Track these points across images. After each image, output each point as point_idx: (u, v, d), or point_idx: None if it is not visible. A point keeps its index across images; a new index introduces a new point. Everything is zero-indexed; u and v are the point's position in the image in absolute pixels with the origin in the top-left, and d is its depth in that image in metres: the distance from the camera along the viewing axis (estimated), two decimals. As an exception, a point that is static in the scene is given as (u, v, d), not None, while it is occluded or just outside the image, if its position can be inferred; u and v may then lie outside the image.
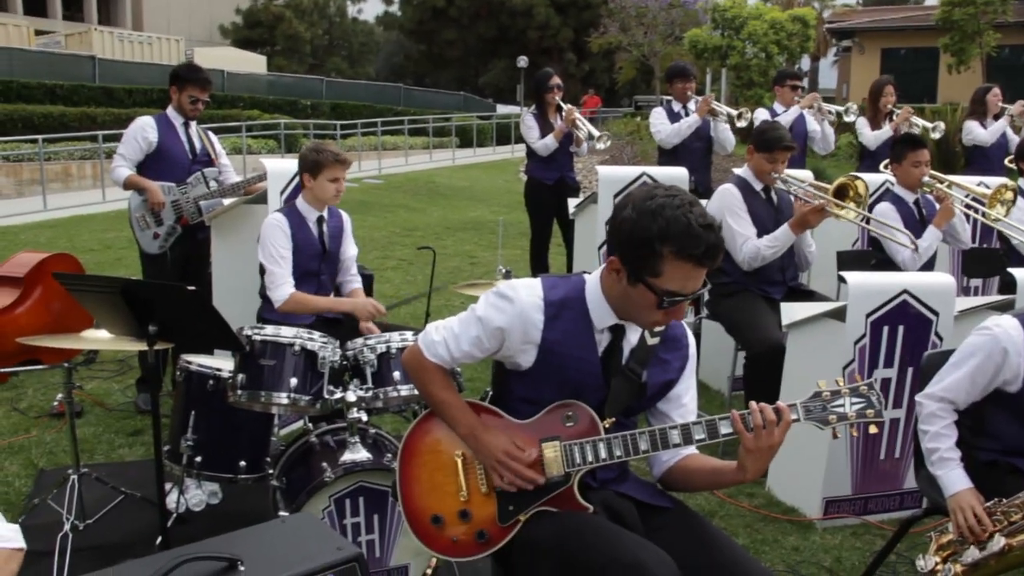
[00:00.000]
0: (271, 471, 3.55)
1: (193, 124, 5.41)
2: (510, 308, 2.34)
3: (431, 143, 25.65)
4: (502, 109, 37.08)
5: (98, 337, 3.48)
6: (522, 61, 36.81)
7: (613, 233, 2.27)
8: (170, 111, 5.35)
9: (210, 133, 5.61)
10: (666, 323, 2.35)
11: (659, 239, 2.13)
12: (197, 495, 3.98)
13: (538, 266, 7.80)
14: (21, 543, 1.90)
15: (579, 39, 43.02)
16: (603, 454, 2.31)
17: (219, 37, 47.16)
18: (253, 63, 33.15)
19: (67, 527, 3.62)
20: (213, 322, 3.00)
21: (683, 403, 2.53)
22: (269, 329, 3.31)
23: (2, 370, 5.62)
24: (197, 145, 5.39)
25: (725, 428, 2.29)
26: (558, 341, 2.35)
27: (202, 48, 34.15)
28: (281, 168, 4.86)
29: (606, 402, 2.38)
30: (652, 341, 2.42)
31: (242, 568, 1.98)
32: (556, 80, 7.45)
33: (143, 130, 5.25)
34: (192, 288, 2.86)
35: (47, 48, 25.54)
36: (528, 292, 2.36)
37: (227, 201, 5.09)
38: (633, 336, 2.42)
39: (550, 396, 2.38)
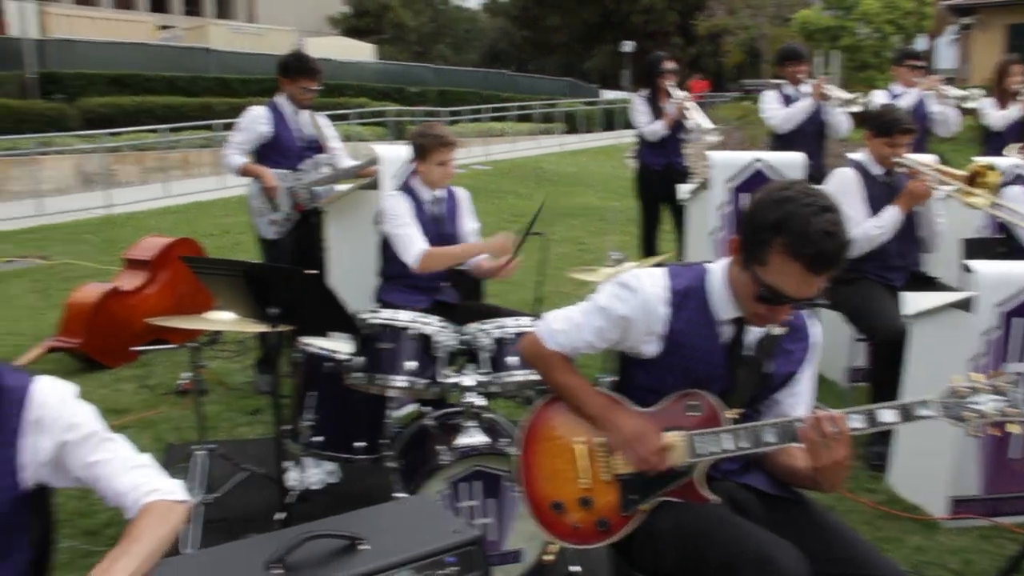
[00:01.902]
0: (387, 452, 3.60)
1: (304, 111, 5.50)
2: (633, 298, 2.32)
3: (538, 129, 25.64)
4: (607, 94, 36.80)
5: (222, 318, 3.60)
6: (627, 46, 36.49)
7: (743, 214, 2.24)
8: (280, 100, 5.46)
9: (321, 118, 5.67)
10: (767, 321, 2.29)
11: (773, 228, 2.08)
12: (316, 474, 4.08)
13: (648, 253, 7.71)
14: (185, 496, 1.97)
15: (685, 22, 42.39)
16: (728, 445, 2.27)
17: (328, 27, 48.06)
18: (361, 51, 33.70)
19: (194, 500, 3.76)
20: (332, 305, 3.06)
21: (795, 391, 2.46)
22: (386, 313, 3.35)
23: (133, 348, 5.88)
24: (307, 132, 5.49)
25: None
26: (683, 331, 2.31)
27: (312, 38, 34.85)
28: (393, 153, 4.92)
29: (730, 392, 2.33)
30: (778, 331, 2.36)
31: (364, 547, 2.01)
32: (669, 64, 7.31)
33: (256, 120, 5.38)
34: (311, 272, 2.92)
35: (168, 42, 26.48)
36: (652, 282, 2.33)
37: (341, 187, 5.18)
38: (757, 328, 2.37)
39: (673, 385, 2.35)
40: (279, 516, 3.54)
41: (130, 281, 6.20)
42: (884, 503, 4.13)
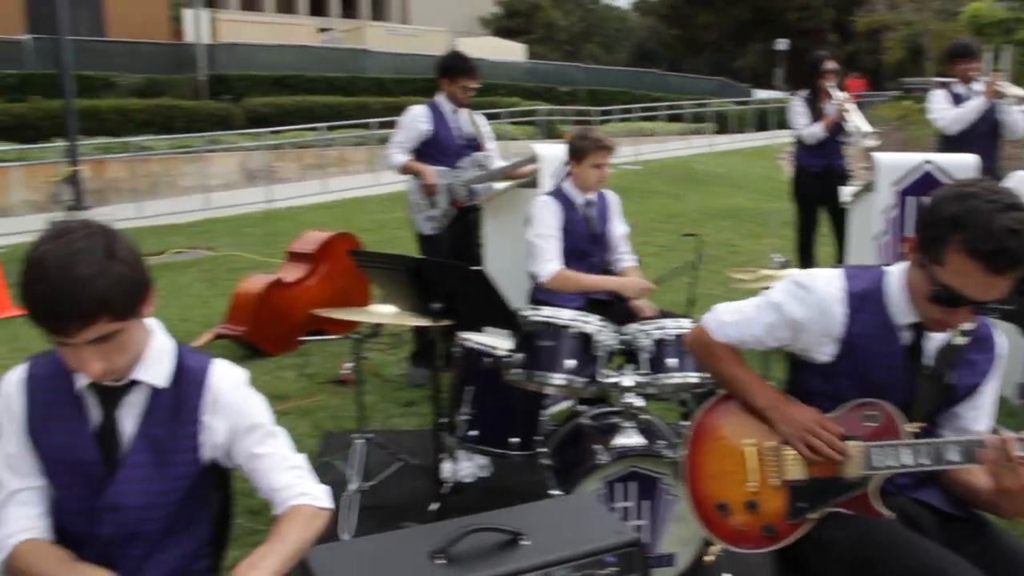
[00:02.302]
0: (541, 449, 3.61)
1: (463, 110, 5.59)
2: (809, 299, 2.25)
3: (688, 129, 25.30)
4: (759, 94, 35.93)
5: (383, 312, 3.69)
6: (781, 44, 35.55)
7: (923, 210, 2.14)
8: (440, 99, 5.55)
9: (479, 117, 5.75)
10: (944, 326, 2.17)
11: (952, 224, 1.98)
12: (469, 467, 4.14)
13: (804, 257, 7.47)
14: (330, 504, 2.03)
15: (842, 19, 40.97)
16: (907, 460, 2.16)
17: (479, 28, 48.73)
18: (512, 51, 34.02)
19: (352, 487, 3.87)
20: (495, 301, 3.08)
21: (977, 405, 2.33)
22: (547, 311, 3.36)
23: (301, 339, 6.11)
24: (466, 131, 5.57)
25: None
26: (860, 335, 2.22)
27: (464, 38, 35.42)
28: (552, 153, 4.92)
29: (910, 404, 2.23)
30: (960, 341, 2.24)
31: (525, 542, 2.01)
32: (831, 64, 7.05)
33: (416, 119, 5.49)
34: (477, 268, 2.95)
35: (327, 44, 27.41)
36: (828, 283, 2.25)
37: (499, 185, 5.23)
38: (939, 335, 2.25)
39: (849, 393, 2.26)
40: (433, 507, 3.61)
41: (292, 273, 6.45)
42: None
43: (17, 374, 1.94)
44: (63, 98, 9.52)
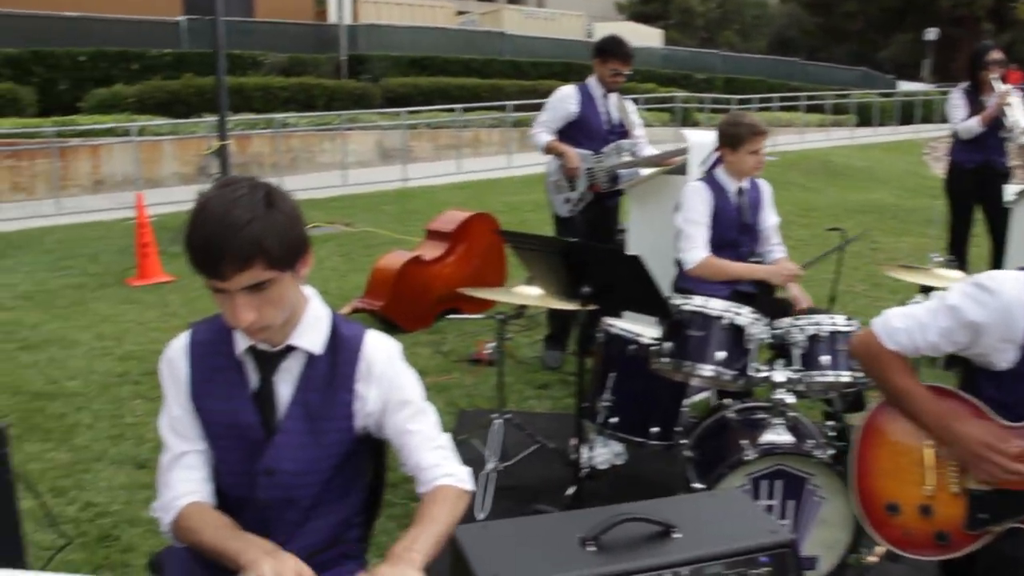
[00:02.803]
0: (682, 441, 3.55)
1: (612, 95, 5.52)
2: (992, 302, 2.12)
3: (828, 120, 24.52)
4: (904, 86, 34.50)
5: (528, 293, 3.68)
6: (930, 34, 34.01)
7: None
8: (591, 82, 5.50)
9: (628, 104, 5.68)
10: None
11: None
12: (604, 454, 4.10)
13: (956, 257, 7.12)
14: (473, 486, 2.02)
15: (1000, 6, 38.81)
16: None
17: (615, 13, 48.30)
18: (649, 37, 33.54)
19: (490, 466, 3.89)
20: (648, 288, 3.04)
21: None
22: (698, 300, 3.29)
23: (450, 316, 6.18)
24: (614, 116, 5.51)
25: None
26: None
27: (600, 23, 35.17)
28: (701, 139, 4.82)
29: None
30: None
31: (677, 535, 1.96)
32: (997, 55, 6.68)
33: (565, 100, 5.45)
34: (633, 254, 2.91)
35: (465, 26, 27.62)
36: (1015, 286, 2.12)
37: (645, 171, 5.15)
38: None
39: None
40: (569, 491, 3.60)
41: (431, 251, 6.53)
42: None
43: (181, 341, 2.00)
44: (215, 76, 9.84)
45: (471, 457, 4.09)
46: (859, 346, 2.41)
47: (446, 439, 2.08)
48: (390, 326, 6.23)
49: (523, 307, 4.20)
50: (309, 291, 2.00)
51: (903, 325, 2.28)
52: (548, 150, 5.48)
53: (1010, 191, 5.96)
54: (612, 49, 5.41)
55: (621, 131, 5.52)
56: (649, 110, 20.30)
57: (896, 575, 3.22)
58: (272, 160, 14.86)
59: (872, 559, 3.07)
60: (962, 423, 2.17)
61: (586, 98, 5.47)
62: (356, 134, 16.69)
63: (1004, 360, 2.15)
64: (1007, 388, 2.17)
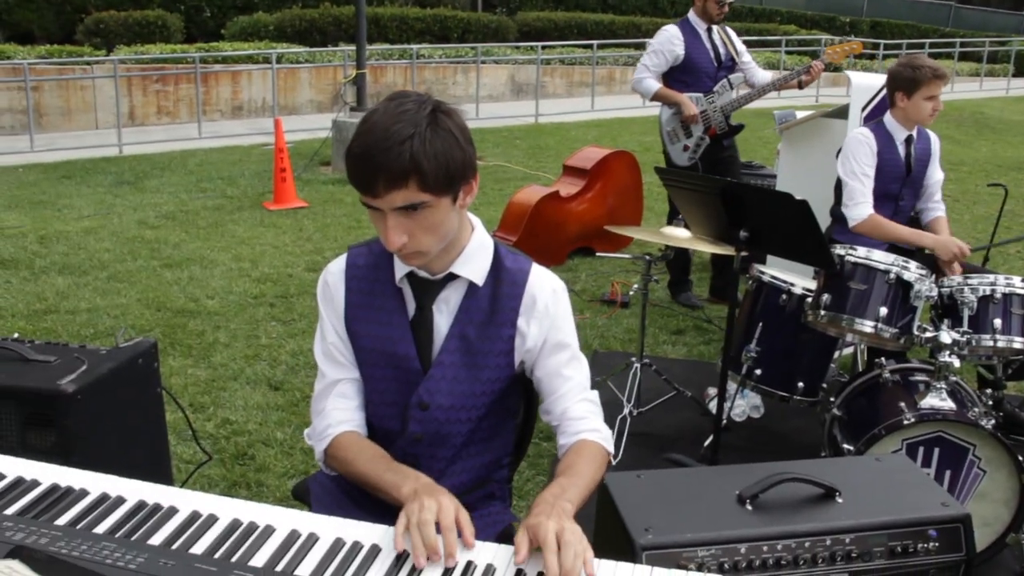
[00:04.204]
0: (830, 399, 3.38)
1: (716, 28, 5.23)
2: None
3: (982, 70, 23.15)
4: (1069, 34, 32.25)
5: (678, 235, 3.54)
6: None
7: None
8: (692, 17, 5.22)
9: (730, 31, 5.37)
10: None
11: None
12: (741, 406, 3.98)
13: None
14: (613, 448, 1.92)
15: None
16: None
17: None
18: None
19: (626, 411, 3.81)
20: (812, 236, 2.86)
21: None
22: (862, 251, 3.10)
23: (601, 254, 6.08)
24: (721, 51, 5.23)
25: None
26: None
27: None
28: (865, 82, 4.54)
29: None
30: None
31: (839, 500, 1.85)
32: None
33: (671, 42, 5.18)
34: (801, 199, 2.74)
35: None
36: None
37: (801, 114, 4.90)
38: None
39: None
40: (707, 442, 3.49)
41: (568, 187, 6.43)
42: None
43: (338, 264, 1.94)
44: (353, 5, 9.87)
45: (606, 399, 4.00)
46: None
47: (595, 395, 1.96)
48: (522, 262, 6.17)
49: (668, 249, 4.06)
50: (474, 219, 1.91)
51: None
52: (658, 97, 5.23)
53: None
54: None
55: (730, 65, 5.25)
56: (789, 53, 19.55)
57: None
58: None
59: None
60: None
61: (691, 36, 5.19)
62: (489, 68, 16.58)
63: None
64: None
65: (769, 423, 4.01)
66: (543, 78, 16.32)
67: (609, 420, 3.72)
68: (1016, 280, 3.10)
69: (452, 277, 1.85)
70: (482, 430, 1.94)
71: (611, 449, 1.91)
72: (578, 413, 1.90)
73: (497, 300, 1.87)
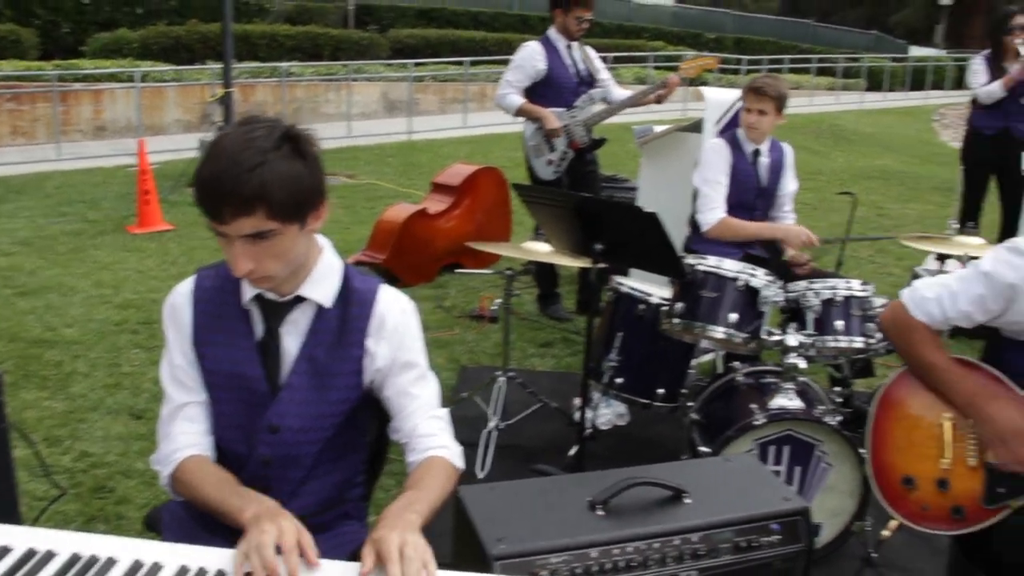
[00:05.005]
0: (688, 403, 3.49)
1: (575, 44, 5.31)
2: None
3: (838, 84, 24.27)
4: (916, 51, 34.13)
5: (538, 249, 3.60)
6: (946, -1, 33.63)
7: None
8: (552, 33, 5.29)
9: (590, 50, 5.46)
10: None
11: None
12: (606, 414, 4.06)
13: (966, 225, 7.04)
14: (463, 464, 1.95)
15: (1017, -26, 38.30)
16: None
17: (626, -32, 47.69)
18: (659, -6, 33.18)
19: (491, 425, 3.84)
20: (663, 247, 2.96)
21: None
22: (712, 260, 3.22)
23: (460, 271, 6.10)
24: (581, 66, 5.31)
25: None
26: None
27: (611, -21, 34.72)
28: (719, 97, 4.70)
29: None
30: None
31: (687, 500, 1.91)
32: (1021, 19, 6.54)
33: (532, 58, 5.22)
34: (650, 211, 2.82)
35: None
36: None
37: (659, 128, 5.04)
38: None
39: None
40: (572, 452, 3.55)
41: (436, 204, 6.44)
42: None
43: (186, 286, 1.91)
44: (220, 22, 9.67)
45: (473, 414, 4.06)
46: (889, 320, 2.32)
47: (445, 412, 1.98)
48: (391, 280, 6.13)
49: (531, 263, 4.12)
50: (323, 241, 1.91)
51: (933, 295, 2.20)
52: (520, 113, 5.26)
53: (1029, 158, 5.85)
54: None
55: (590, 81, 5.33)
56: (657, 68, 20.08)
57: (903, 548, 3.19)
58: (276, 110, 14.68)
59: (885, 533, 3.04)
60: (995, 404, 2.10)
61: (552, 52, 5.25)
62: (361, 85, 16.47)
63: None
64: (1035, 358, 2.10)
65: (634, 430, 4.10)
66: (416, 95, 16.33)
67: (475, 434, 3.78)
68: (856, 284, 3.27)
69: (300, 299, 1.85)
70: (332, 450, 1.94)
71: (460, 465, 1.93)
72: (427, 430, 1.92)
73: (346, 321, 1.88)
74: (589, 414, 3.84)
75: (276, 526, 1.55)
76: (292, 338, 1.87)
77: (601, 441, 3.93)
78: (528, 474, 3.40)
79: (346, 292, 1.90)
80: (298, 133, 1.72)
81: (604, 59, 5.55)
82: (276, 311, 1.86)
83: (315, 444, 1.90)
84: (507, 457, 3.81)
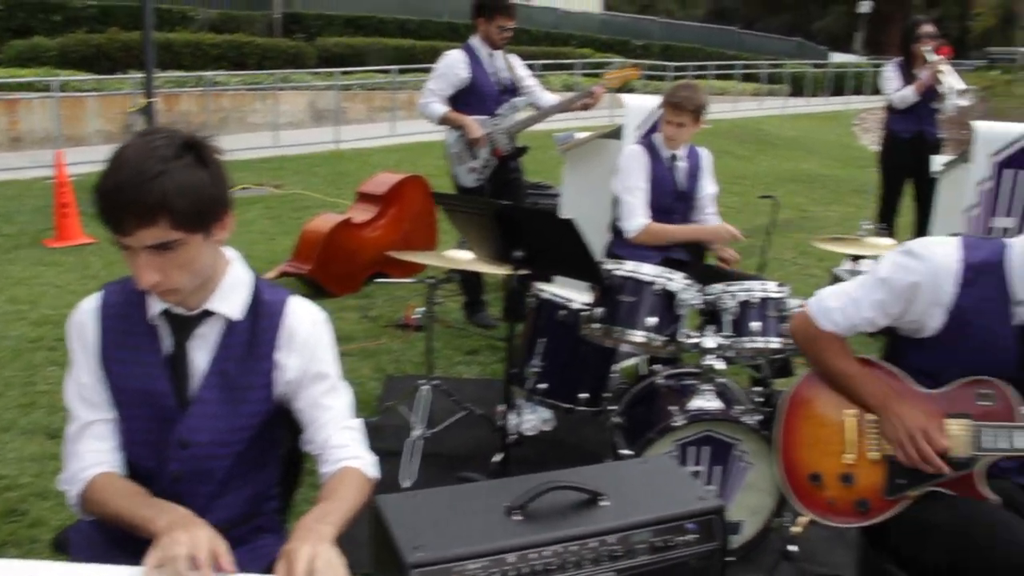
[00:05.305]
0: (611, 407, 3.53)
1: (498, 53, 5.33)
2: (920, 267, 2.12)
3: (762, 90, 24.75)
4: (836, 57, 34.99)
5: (459, 257, 3.61)
6: (864, 7, 34.51)
7: None
8: (475, 41, 5.30)
9: (513, 58, 5.49)
10: None
11: None
12: (532, 420, 4.06)
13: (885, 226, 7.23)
14: (378, 474, 1.95)
15: (932, -18, 39.52)
16: (1020, 444, 2.04)
17: (554, -23, 48.00)
18: (587, 2, 33.41)
19: (416, 434, 3.83)
20: (581, 253, 2.98)
21: None
22: (630, 265, 3.26)
23: (379, 280, 6.06)
24: (504, 75, 5.33)
25: None
26: (971, 309, 2.09)
27: (538, -13, 34.93)
28: (638, 104, 4.77)
29: (1021, 385, 2.09)
30: None
31: (604, 503, 1.93)
32: (927, 28, 6.77)
33: (455, 65, 5.23)
34: (567, 218, 2.85)
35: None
36: (944, 251, 2.12)
37: (581, 135, 5.08)
38: None
39: (953, 371, 2.14)
40: (496, 458, 3.55)
41: (361, 214, 6.41)
42: None
43: (91, 302, 1.88)
44: (141, 30, 9.50)
45: (398, 424, 4.04)
46: (796, 330, 2.38)
47: (358, 423, 1.98)
48: (318, 290, 6.11)
49: (453, 271, 4.12)
50: (231, 253, 1.90)
51: (838, 304, 2.26)
52: (444, 121, 5.26)
53: (938, 162, 6.04)
54: (497, 5, 5.21)
55: (512, 89, 5.35)
56: (585, 76, 20.25)
57: (816, 540, 3.26)
58: (201, 119, 14.45)
59: (796, 529, 3.10)
60: (904, 404, 2.17)
61: (474, 60, 5.26)
62: (288, 94, 16.32)
63: (932, 325, 2.14)
64: (931, 356, 2.17)
65: (560, 435, 4.12)
66: (344, 104, 16.22)
67: (400, 444, 3.76)
68: (771, 285, 3.33)
69: (209, 313, 1.84)
70: (245, 464, 1.92)
71: (374, 474, 1.93)
72: (339, 441, 1.91)
73: (256, 334, 1.87)
74: (514, 420, 3.87)
75: (190, 535, 1.54)
76: (201, 352, 1.85)
77: (527, 447, 3.94)
78: (454, 482, 3.39)
79: (256, 305, 1.88)
80: (200, 142, 1.71)
81: (531, 67, 5.58)
82: (184, 325, 1.84)
83: (227, 458, 1.89)
84: (433, 466, 3.80)
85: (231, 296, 1.86)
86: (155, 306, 1.83)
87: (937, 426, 2.11)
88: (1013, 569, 1.87)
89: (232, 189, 1.79)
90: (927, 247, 2.14)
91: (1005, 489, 2.15)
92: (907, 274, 2.12)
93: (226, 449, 1.87)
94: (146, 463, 1.87)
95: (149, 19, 9.27)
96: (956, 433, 2.10)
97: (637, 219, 4.05)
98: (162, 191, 1.61)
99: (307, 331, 1.90)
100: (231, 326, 1.85)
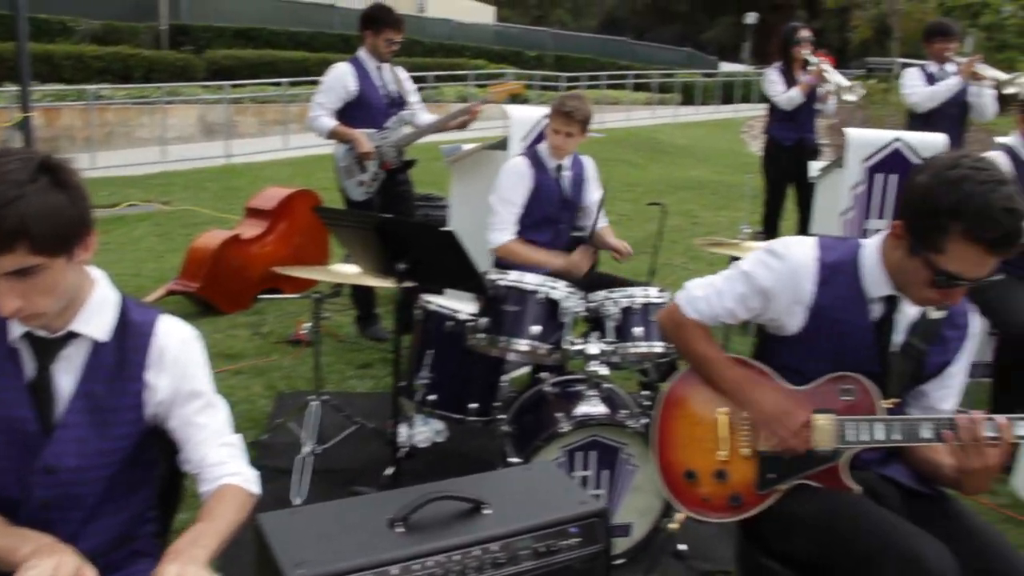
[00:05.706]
0: (500, 416, 3.55)
1: (386, 66, 5.34)
2: (780, 266, 2.20)
3: (654, 99, 25.27)
4: (725, 67, 36.00)
5: (345, 271, 3.59)
6: (750, 17, 35.58)
7: (904, 197, 2.08)
8: (362, 54, 5.29)
9: (401, 72, 5.50)
10: (937, 304, 2.14)
11: (949, 214, 1.92)
12: (424, 432, 4.05)
13: (769, 231, 7.45)
14: (259, 489, 1.94)
15: (812, -4, 41.01)
16: (880, 435, 2.13)
17: (448, -12, 48.11)
18: (480, 13, 33.61)
19: (306, 450, 3.79)
20: (462, 264, 3.00)
21: (947, 384, 2.30)
22: (513, 275, 3.29)
23: (261, 296, 5.97)
24: (392, 88, 5.34)
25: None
26: (829, 306, 2.18)
27: (432, -2, 34.95)
28: (523, 115, 4.81)
29: (883, 380, 2.19)
30: (936, 315, 2.20)
31: (487, 511, 1.95)
32: (805, 33, 7.01)
33: (343, 78, 5.19)
34: (446, 229, 2.87)
35: (292, -3, 26.84)
36: (802, 251, 2.21)
37: (468, 147, 5.11)
38: (911, 309, 2.21)
39: (818, 367, 2.22)
40: (388, 472, 3.54)
41: (250, 230, 6.30)
42: (1007, 506, 3.92)
43: None
44: (15, 41, 9.16)
45: (288, 441, 3.99)
46: (664, 319, 2.46)
47: (237, 439, 1.96)
48: (207, 308, 5.99)
49: (340, 285, 4.10)
50: (96, 273, 1.85)
51: (703, 294, 2.34)
52: (333, 135, 5.22)
53: (814, 167, 6.25)
54: (385, 18, 5.22)
55: (400, 102, 5.37)
56: (479, 87, 20.35)
57: (706, 538, 3.35)
58: (85, 134, 14.00)
59: (673, 526, 3.17)
60: (758, 390, 2.24)
61: (362, 73, 5.24)
62: (177, 108, 15.95)
63: (793, 324, 2.22)
64: (797, 353, 2.25)
65: (452, 446, 4.11)
66: (234, 117, 15.95)
67: (291, 461, 3.71)
68: (653, 291, 3.41)
69: (74, 335, 1.79)
70: (118, 487, 1.87)
71: (255, 490, 1.91)
72: (216, 459, 1.89)
73: (124, 355, 1.83)
74: (406, 433, 3.86)
75: (54, 561, 1.50)
76: (67, 375, 1.80)
77: (419, 459, 3.92)
78: (345, 497, 3.37)
79: (123, 325, 1.85)
80: (56, 163, 1.67)
81: (425, 78, 5.59)
82: (47, 348, 1.79)
83: (97, 482, 1.84)
84: (324, 482, 3.76)
85: (96, 317, 1.82)
86: (16, 329, 1.77)
87: (804, 419, 2.19)
88: (874, 558, 1.96)
89: (96, 208, 1.75)
90: (787, 247, 2.23)
91: (867, 480, 2.25)
92: (766, 271, 2.21)
93: (96, 473, 1.83)
94: (8, 491, 1.81)
95: (23, 29, 8.91)
96: (822, 427, 2.18)
97: (502, 233, 4.09)
98: (19, 216, 1.56)
99: (177, 349, 1.88)
100: (97, 348, 1.81)
